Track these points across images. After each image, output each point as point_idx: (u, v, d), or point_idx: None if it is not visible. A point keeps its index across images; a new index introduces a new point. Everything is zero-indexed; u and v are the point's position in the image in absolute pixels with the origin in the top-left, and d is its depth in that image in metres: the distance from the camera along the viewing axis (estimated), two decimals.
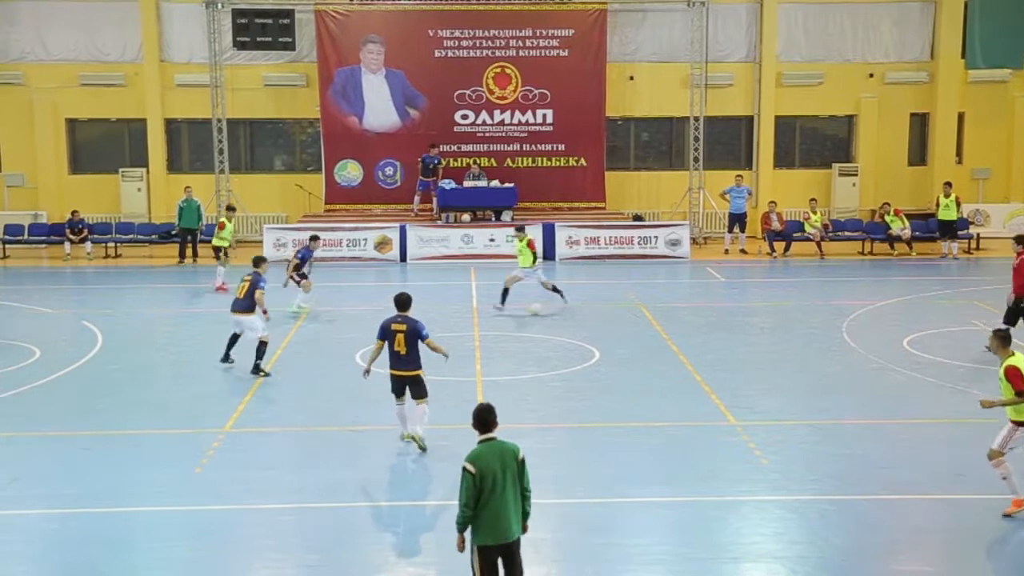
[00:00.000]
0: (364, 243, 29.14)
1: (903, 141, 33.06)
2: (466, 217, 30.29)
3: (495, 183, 30.78)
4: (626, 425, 15.11)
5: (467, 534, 9.04)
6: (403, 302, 13.81)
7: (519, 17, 31.46)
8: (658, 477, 13.05)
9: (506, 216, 30.26)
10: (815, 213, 30.21)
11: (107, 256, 30.38)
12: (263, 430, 14.97)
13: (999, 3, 32.02)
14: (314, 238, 23.65)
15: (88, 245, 30.03)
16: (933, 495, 12.50)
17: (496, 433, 9.15)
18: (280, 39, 30.83)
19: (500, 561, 9.07)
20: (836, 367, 18.15)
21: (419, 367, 13.87)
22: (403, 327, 13.69)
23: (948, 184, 29.94)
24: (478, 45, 31.53)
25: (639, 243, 29.57)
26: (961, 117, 32.77)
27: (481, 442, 9.07)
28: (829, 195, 32.26)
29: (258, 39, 30.74)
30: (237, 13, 30.60)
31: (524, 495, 9.15)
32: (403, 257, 29.19)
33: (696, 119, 31.94)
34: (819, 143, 33.89)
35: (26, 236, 30.70)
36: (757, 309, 22.66)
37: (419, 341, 13.74)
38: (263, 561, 11.07)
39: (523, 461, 9.14)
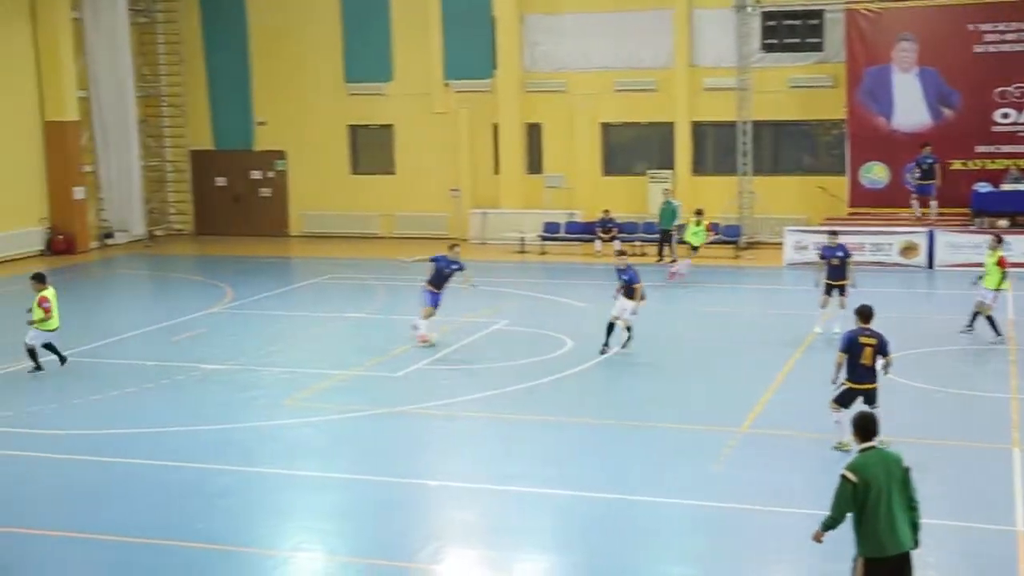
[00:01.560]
0: (889, 248, 28.14)
1: None
2: (1003, 223, 28.26)
3: None
4: None
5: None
6: (866, 314, 13.60)
7: None
8: None
9: None
10: None
11: (633, 254, 31.72)
12: (779, 433, 14.92)
13: None
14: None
15: (617, 243, 31.53)
16: None
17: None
18: (808, 40, 30.64)
19: None
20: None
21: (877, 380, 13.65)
22: (872, 341, 13.47)
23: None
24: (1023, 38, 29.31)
25: None
26: None
27: (862, 451, 8.72)
28: None
29: (786, 41, 30.74)
30: (766, 16, 30.76)
31: (911, 506, 8.62)
32: (930, 263, 27.84)
33: None
34: None
35: (561, 233, 32.87)
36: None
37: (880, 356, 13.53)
38: (780, 564, 11.06)
39: (908, 470, 8.62)
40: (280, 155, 36.81)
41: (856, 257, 27.61)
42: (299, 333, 21.99)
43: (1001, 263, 19.58)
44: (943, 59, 30.01)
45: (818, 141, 33.02)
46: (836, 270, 20.49)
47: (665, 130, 33.42)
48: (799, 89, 31.92)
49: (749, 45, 31.61)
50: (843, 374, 13.51)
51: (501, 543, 11.68)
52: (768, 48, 31.02)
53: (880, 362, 13.55)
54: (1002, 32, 29.41)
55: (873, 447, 8.73)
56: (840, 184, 31.27)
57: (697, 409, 16.17)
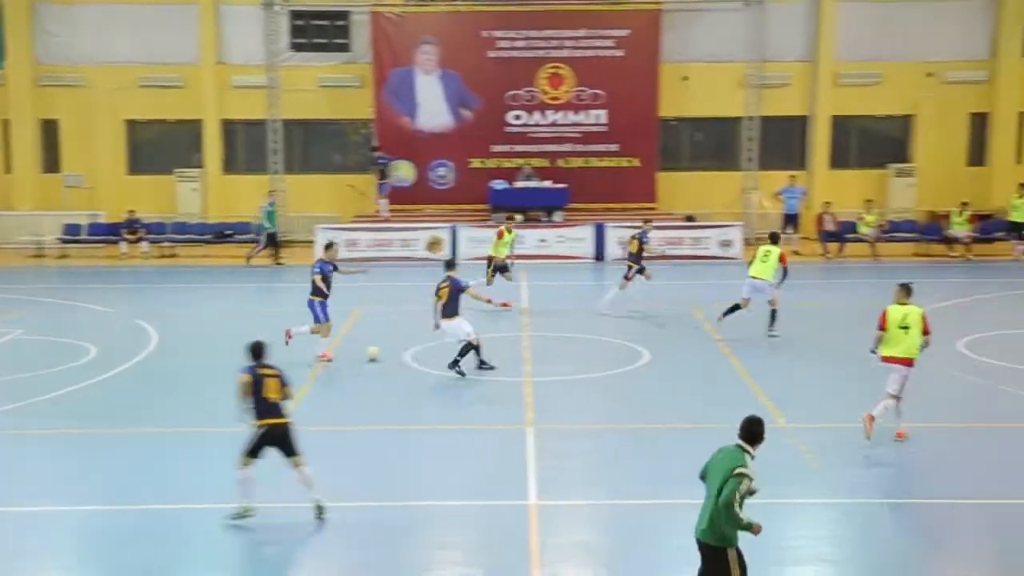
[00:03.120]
0: (415, 243, 29.24)
1: (961, 141, 32.59)
2: (518, 217, 30.24)
3: (547, 183, 30.78)
4: (675, 427, 15.02)
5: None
6: (257, 351, 11.80)
7: (573, 17, 31.44)
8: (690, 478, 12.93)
9: (557, 216, 30.25)
10: (870, 214, 29.86)
11: (162, 256, 30.78)
12: (314, 429, 15.02)
13: None
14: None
15: (144, 245, 30.43)
16: (985, 500, 12.29)
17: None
18: (336, 40, 31.13)
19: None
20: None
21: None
22: (273, 372, 11.70)
23: (1022, 185, 29.45)
24: (532, 46, 31.56)
25: (691, 244, 29.41)
26: (1022, 117, 32.21)
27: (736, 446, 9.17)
28: (884, 196, 31.86)
29: (315, 40, 31.05)
30: (294, 15, 30.89)
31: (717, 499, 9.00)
32: (454, 257, 29.22)
33: (750, 119, 31.72)
34: (875, 143, 33.49)
35: (84, 236, 31.15)
36: (810, 310, 22.40)
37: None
38: (317, 559, 11.14)
39: (734, 470, 8.92)
40: None
41: (385, 253, 28.83)
42: None
43: (782, 259, 20.12)
44: (462, 63, 31.64)
45: (348, 140, 33.68)
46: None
47: (194, 128, 32.66)
48: (329, 88, 32.36)
49: (278, 43, 31.60)
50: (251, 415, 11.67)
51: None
52: (297, 47, 31.18)
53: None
54: (513, 39, 31.50)
55: (738, 445, 9.10)
56: (369, 182, 32.08)
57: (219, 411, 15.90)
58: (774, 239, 20.56)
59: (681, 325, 21.37)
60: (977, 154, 32.68)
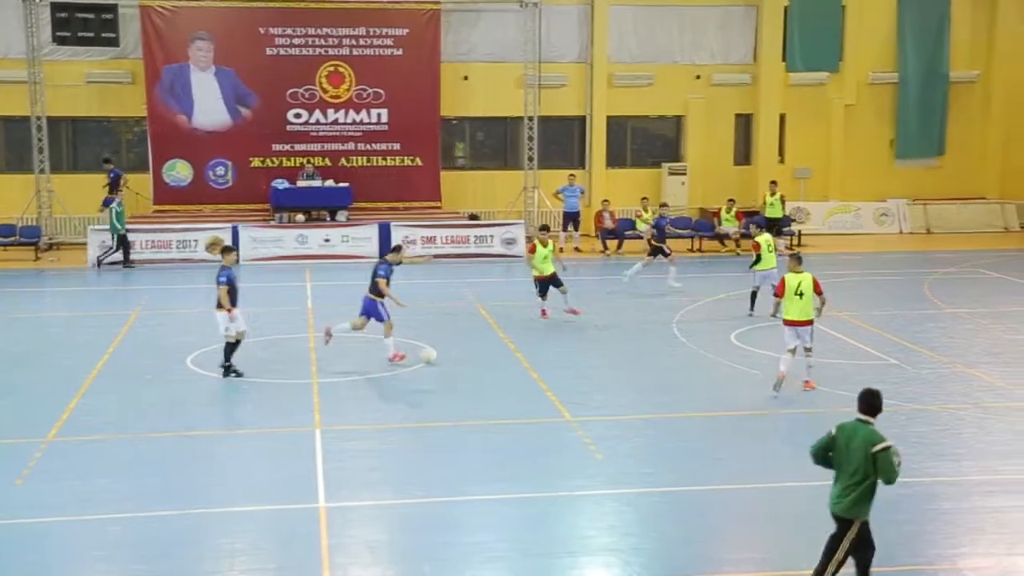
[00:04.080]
0: (195, 244, 28.41)
1: (729, 141, 34.10)
2: (300, 217, 29.91)
3: (330, 183, 30.48)
4: (464, 424, 15.14)
5: None
6: None
7: (352, 15, 31.21)
8: (496, 475, 13.12)
9: (341, 216, 30.01)
10: (647, 211, 30.86)
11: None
12: (87, 438, 14.43)
13: (816, 9, 33.45)
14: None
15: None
16: (761, 483, 12.91)
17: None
18: (103, 34, 29.82)
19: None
20: (668, 362, 18.59)
21: None
22: None
23: (773, 183, 31.01)
24: (311, 43, 31.15)
25: (475, 242, 29.70)
26: (783, 118, 33.97)
27: (857, 419, 9.53)
28: (659, 194, 32.99)
29: (79, 34, 29.66)
30: (56, 7, 29.45)
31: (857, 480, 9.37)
32: (236, 259, 28.52)
33: (530, 119, 32.27)
34: (649, 143, 34.67)
35: None
36: (591, 306, 22.99)
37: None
38: (92, 572, 10.70)
39: (879, 450, 9.28)
40: None
41: (164, 255, 27.94)
42: None
43: (755, 247, 21.49)
44: (239, 59, 30.94)
45: (121, 138, 32.41)
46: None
47: None
48: (97, 84, 31.04)
49: (40, 36, 30.08)
50: None
51: None
52: (61, 41, 29.73)
53: None
54: (291, 36, 31.01)
55: (860, 419, 9.46)
56: (144, 182, 30.98)
57: None
58: (760, 226, 22.75)
59: (467, 323, 21.55)
60: (743, 153, 34.26)
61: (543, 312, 21.37)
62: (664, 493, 12.58)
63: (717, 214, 31.32)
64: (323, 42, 31.21)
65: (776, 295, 16.71)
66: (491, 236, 29.84)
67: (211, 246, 18.50)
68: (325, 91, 31.28)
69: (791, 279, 16.26)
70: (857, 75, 34.12)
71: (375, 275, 18.00)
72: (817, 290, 16.18)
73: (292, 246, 28.90)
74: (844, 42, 33.90)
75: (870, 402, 9.50)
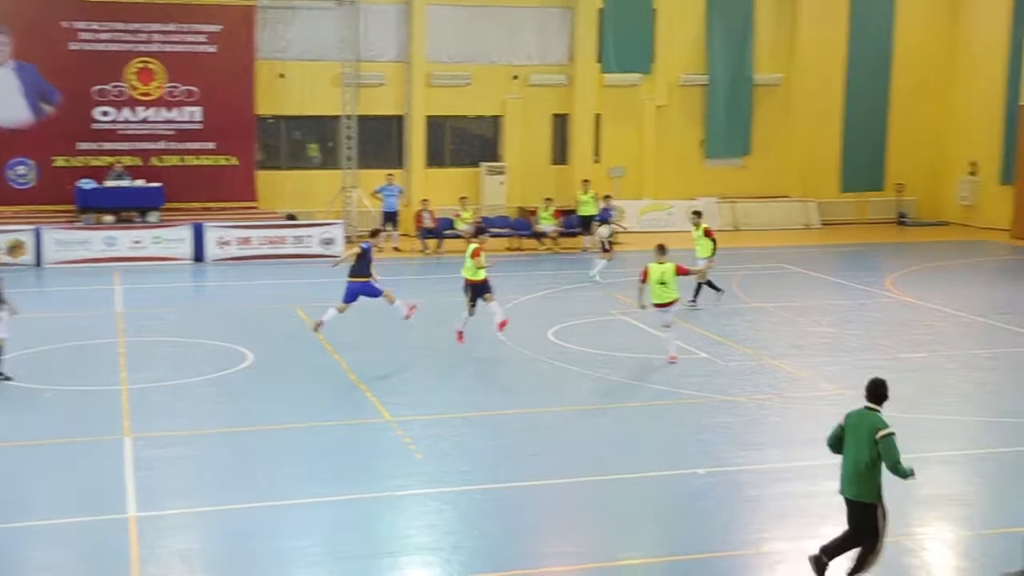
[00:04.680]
0: None
1: (546, 141, 34.56)
2: (109, 218, 28.88)
3: (140, 182, 29.54)
4: (282, 427, 14.91)
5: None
6: None
7: (162, 11, 30.29)
8: (314, 478, 12.96)
9: (152, 217, 29.13)
10: (466, 211, 31.02)
11: None
12: None
13: (629, 12, 34.26)
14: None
15: None
16: (580, 478, 13.13)
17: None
18: None
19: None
20: (487, 360, 18.71)
21: None
22: None
23: (586, 181, 31.60)
24: (118, 39, 30.10)
25: (293, 243, 29.29)
26: (598, 118, 34.65)
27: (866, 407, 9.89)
28: (478, 193, 33.21)
29: None
30: None
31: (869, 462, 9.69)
32: (38, 261, 27.38)
33: (348, 118, 32.00)
34: (468, 142, 34.84)
35: None
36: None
37: None
38: None
39: (881, 435, 9.63)
40: None
41: None
42: None
43: (708, 233, 22.77)
44: (40, 54, 29.64)
45: None
46: None
47: None
48: None
49: None
50: None
51: None
52: None
53: None
54: (96, 31, 29.91)
55: (868, 407, 9.83)
56: None
57: None
58: (699, 215, 23.64)
59: (286, 325, 21.23)
60: (560, 153, 34.78)
61: (459, 335, 19.10)
62: (484, 490, 12.65)
63: (535, 213, 31.72)
64: (131, 38, 30.20)
65: (641, 282, 18.06)
66: (309, 236, 29.45)
67: (12, 249, 17.75)
68: (135, 88, 30.28)
69: (655, 268, 17.85)
70: (668, 77, 35.07)
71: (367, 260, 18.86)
72: (681, 273, 18.02)
73: (100, 248, 27.84)
74: (656, 45, 34.80)
75: (876, 391, 9.95)
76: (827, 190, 36.62)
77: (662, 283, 17.83)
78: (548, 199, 31.53)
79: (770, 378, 17.50)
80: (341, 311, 18.92)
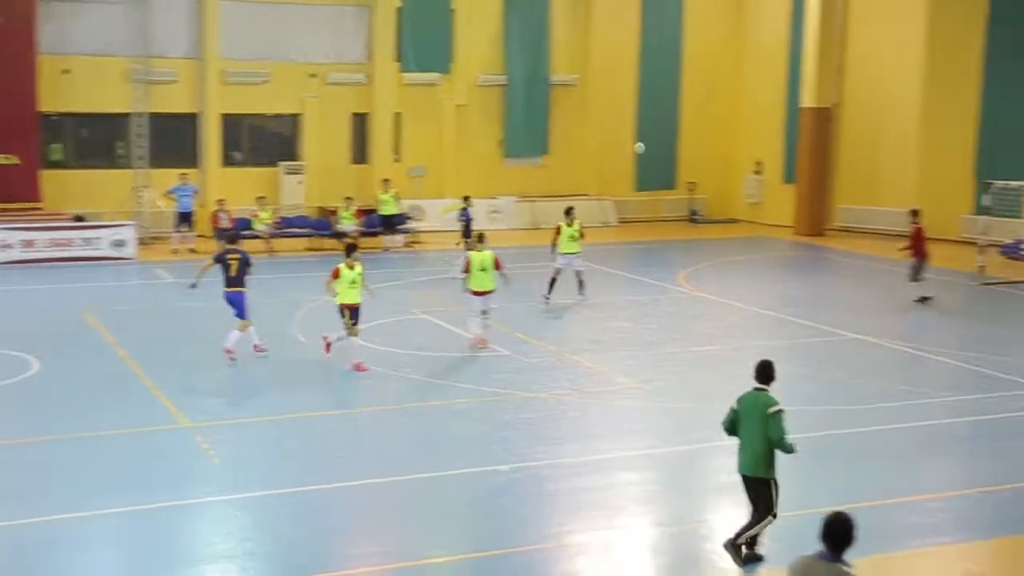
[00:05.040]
0: None
1: (345, 140, 34.29)
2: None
3: None
4: (72, 437, 14.30)
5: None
6: None
7: None
8: (108, 488, 12.47)
9: None
10: (264, 210, 30.45)
11: None
12: None
13: (427, 12, 34.34)
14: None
15: None
16: (384, 478, 13.07)
17: None
18: None
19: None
20: (289, 361, 18.40)
21: None
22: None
23: (386, 180, 31.51)
24: None
25: (81, 244, 28.13)
26: (398, 117, 34.58)
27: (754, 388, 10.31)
28: (277, 192, 32.64)
29: None
30: None
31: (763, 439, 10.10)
32: None
33: (139, 116, 30.95)
34: (266, 141, 34.24)
35: None
36: (209, 308, 22.37)
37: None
38: None
39: (772, 413, 10.07)
40: None
41: None
42: None
43: (582, 234, 23.53)
44: None
45: None
46: None
47: None
48: None
49: None
50: None
51: None
52: None
53: None
54: None
55: (757, 388, 10.24)
56: None
57: None
58: (569, 213, 23.78)
59: (74, 330, 20.36)
60: (360, 152, 34.56)
61: (359, 367, 17.49)
62: (283, 495, 12.45)
63: (335, 212, 31.41)
64: None
65: (464, 271, 19.14)
66: (99, 238, 28.36)
67: None
68: None
69: (475, 257, 19.09)
70: (467, 77, 35.32)
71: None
72: (497, 266, 19.10)
73: None
74: (454, 44, 35.00)
75: (765, 372, 10.36)
76: (623, 189, 37.60)
77: (483, 270, 18.97)
78: (349, 198, 31.26)
79: (570, 373, 17.83)
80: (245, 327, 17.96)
